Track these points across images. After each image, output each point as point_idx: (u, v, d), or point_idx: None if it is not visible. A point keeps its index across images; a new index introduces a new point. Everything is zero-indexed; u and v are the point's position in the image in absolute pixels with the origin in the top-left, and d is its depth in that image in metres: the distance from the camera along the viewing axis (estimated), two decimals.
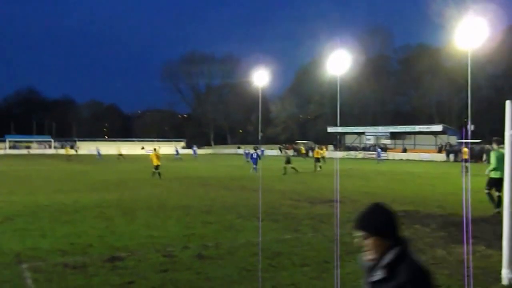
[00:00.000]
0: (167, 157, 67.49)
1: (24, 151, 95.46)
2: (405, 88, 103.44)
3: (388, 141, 78.52)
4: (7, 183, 26.02)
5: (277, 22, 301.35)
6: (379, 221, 2.87)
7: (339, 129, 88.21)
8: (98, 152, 68.81)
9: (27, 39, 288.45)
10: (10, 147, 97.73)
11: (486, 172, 15.02)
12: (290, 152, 59.70)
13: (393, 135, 77.97)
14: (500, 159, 13.30)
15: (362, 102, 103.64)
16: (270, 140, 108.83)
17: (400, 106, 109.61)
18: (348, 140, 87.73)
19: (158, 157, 30.53)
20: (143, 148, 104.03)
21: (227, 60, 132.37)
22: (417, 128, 75.47)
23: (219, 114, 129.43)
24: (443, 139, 70.76)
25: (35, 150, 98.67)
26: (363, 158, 71.20)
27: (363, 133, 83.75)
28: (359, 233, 2.90)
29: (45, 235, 11.22)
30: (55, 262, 8.70)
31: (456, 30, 64.86)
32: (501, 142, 13.89)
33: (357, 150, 79.98)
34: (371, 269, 2.91)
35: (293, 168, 35.12)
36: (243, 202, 17.65)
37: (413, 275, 2.72)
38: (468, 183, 25.22)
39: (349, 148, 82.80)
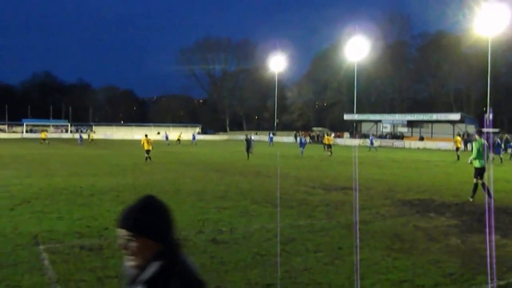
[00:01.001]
0: (183, 142, 67.86)
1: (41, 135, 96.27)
2: (423, 75, 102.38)
3: (404, 129, 77.91)
4: (25, 167, 26.29)
5: (294, 7, 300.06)
6: (148, 218, 2.25)
7: (356, 117, 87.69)
8: (80, 136, 67.51)
9: (44, 23, 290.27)
10: (27, 131, 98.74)
11: (468, 161, 15.77)
12: (307, 139, 59.80)
13: (410, 123, 77.30)
14: (481, 149, 14.77)
15: (379, 89, 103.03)
16: (286, 127, 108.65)
17: (418, 94, 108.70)
18: (365, 127, 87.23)
19: (149, 142, 31.00)
20: (158, 133, 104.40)
21: (244, 46, 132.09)
22: (435, 116, 74.69)
23: (235, 100, 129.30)
24: (461, 128, 70.08)
25: (52, 134, 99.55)
26: (379, 146, 70.87)
27: (379, 120, 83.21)
28: (123, 233, 2.26)
29: (61, 217, 11.34)
30: (72, 244, 8.80)
31: (476, 17, 63.90)
32: (482, 133, 15.69)
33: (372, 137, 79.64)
34: (133, 280, 2.26)
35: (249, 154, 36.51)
36: (258, 188, 17.68)
37: None
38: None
39: (365, 136, 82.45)
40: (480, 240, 9.55)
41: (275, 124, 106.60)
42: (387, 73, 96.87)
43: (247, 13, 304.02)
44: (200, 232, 10.00)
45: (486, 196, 14.22)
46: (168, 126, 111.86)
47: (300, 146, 43.48)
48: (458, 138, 41.30)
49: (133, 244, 2.22)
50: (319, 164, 31.17)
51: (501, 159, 34.21)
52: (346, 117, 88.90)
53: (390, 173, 25.58)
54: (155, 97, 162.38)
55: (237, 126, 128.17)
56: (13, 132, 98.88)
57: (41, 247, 8.54)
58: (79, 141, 64.00)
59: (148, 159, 30.21)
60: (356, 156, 37.13)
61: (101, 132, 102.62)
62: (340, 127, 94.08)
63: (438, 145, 66.28)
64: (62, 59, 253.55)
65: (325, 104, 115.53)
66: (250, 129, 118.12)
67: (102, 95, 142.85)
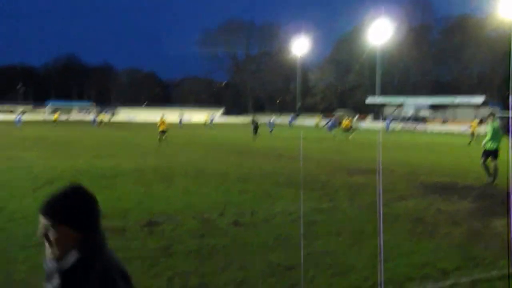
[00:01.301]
0: (198, 126, 68.13)
1: (64, 117, 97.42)
2: (446, 58, 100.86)
3: (427, 113, 77.06)
4: (49, 149, 26.59)
5: None
6: (70, 207, 2.09)
7: (378, 100, 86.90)
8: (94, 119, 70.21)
9: (68, 5, 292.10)
10: (51, 113, 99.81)
11: (482, 144, 15.71)
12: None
13: (433, 107, 76.39)
14: (495, 131, 15.09)
15: (402, 72, 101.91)
16: (308, 109, 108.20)
17: (441, 77, 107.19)
18: (387, 110, 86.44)
19: (164, 123, 31.74)
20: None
21: (266, 28, 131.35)
22: (458, 99, 73.61)
23: (257, 83, 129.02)
24: (485, 111, 68.99)
25: (76, 115, 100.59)
26: (402, 129, 70.25)
27: (402, 104, 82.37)
28: (43, 220, 2.10)
29: None
30: None
31: (500, 0, 62.60)
32: (494, 115, 15.92)
33: (396, 121, 78.85)
34: (52, 273, 2.07)
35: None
36: (280, 171, 17.66)
37: None
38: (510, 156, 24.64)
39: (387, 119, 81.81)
40: (503, 224, 9.43)
41: (298, 107, 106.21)
42: (410, 56, 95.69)
43: None
44: (222, 214, 10.02)
45: (487, 177, 14.72)
46: (191, 109, 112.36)
47: (329, 128, 46.34)
48: (474, 123, 40.73)
49: (53, 233, 2.05)
50: (341, 147, 31.02)
51: None
52: (369, 100, 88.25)
53: (413, 156, 25.37)
54: (177, 80, 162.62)
55: (259, 108, 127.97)
56: (37, 113, 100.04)
57: None
58: (92, 122, 66.99)
59: (164, 140, 30.60)
60: (379, 139, 36.89)
61: (124, 114, 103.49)
62: (363, 110, 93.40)
63: (461, 128, 65.39)
64: (85, 42, 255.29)
65: (347, 87, 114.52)
66: (272, 111, 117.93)
67: (125, 77, 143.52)
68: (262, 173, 16.85)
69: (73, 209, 2.09)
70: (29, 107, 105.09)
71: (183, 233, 8.42)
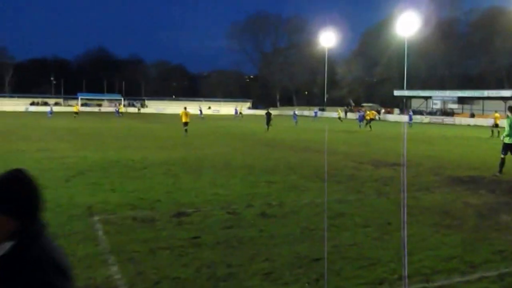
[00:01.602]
0: (228, 117, 68.37)
1: (95, 109, 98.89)
2: (474, 51, 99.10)
3: (455, 106, 76.03)
4: (79, 140, 27.06)
5: None
6: (6, 193, 1.96)
7: (406, 93, 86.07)
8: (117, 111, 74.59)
9: (98, 0, 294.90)
10: (82, 105, 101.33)
11: (501, 138, 15.81)
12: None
13: (461, 100, 75.30)
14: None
15: (430, 65, 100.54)
16: (335, 103, 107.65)
17: (469, 70, 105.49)
18: (415, 104, 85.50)
19: (187, 115, 32.66)
20: (209, 108, 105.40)
21: (294, 21, 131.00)
22: (486, 93, 72.19)
23: (285, 75, 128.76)
24: None
25: (106, 108, 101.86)
26: (429, 123, 69.43)
27: (430, 97, 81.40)
28: None
29: (115, 189, 11.66)
30: (125, 215, 9.06)
31: None
32: None
33: (423, 114, 77.93)
34: None
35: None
36: (307, 163, 17.68)
37: (35, 281, 1.84)
38: None
39: (415, 112, 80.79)
40: None
41: (325, 99, 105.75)
42: (437, 49, 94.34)
43: None
44: (250, 205, 10.11)
45: (498, 170, 15.06)
46: (219, 101, 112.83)
47: (359, 120, 49.20)
48: (497, 115, 40.11)
49: None
50: (368, 140, 30.84)
51: None
52: (396, 93, 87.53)
53: (440, 149, 25.11)
54: (206, 72, 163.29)
55: (287, 101, 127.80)
56: (69, 105, 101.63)
57: (95, 218, 8.82)
58: (116, 113, 71.10)
59: (185, 131, 31.48)
60: (405, 132, 36.53)
61: (153, 106, 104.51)
62: (390, 103, 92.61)
63: (489, 122, 64.19)
64: (116, 35, 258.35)
65: (375, 80, 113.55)
66: (300, 104, 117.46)
67: (154, 70, 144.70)
68: (288, 165, 16.89)
69: (9, 196, 1.96)
70: (61, 99, 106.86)
71: (211, 224, 8.54)
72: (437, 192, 12.16)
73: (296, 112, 57.72)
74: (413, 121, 69.92)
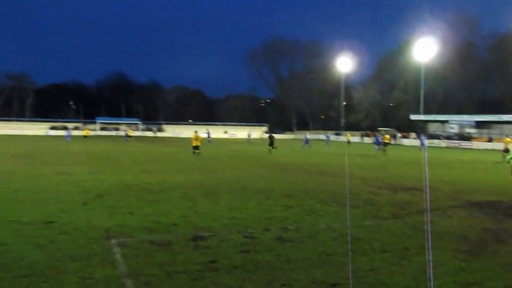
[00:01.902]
0: (240, 140, 68.51)
1: (113, 133, 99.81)
2: (492, 75, 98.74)
3: (472, 130, 75.56)
4: (98, 163, 27.30)
5: (361, 7, 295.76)
6: None
7: (422, 117, 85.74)
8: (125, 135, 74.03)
9: (118, 25, 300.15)
10: (101, 129, 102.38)
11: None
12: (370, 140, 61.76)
13: (478, 124, 74.88)
14: None
15: (447, 89, 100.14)
16: (352, 127, 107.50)
17: (486, 94, 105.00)
18: (431, 128, 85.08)
19: (197, 139, 33.96)
20: (226, 132, 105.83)
21: (310, 46, 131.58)
22: (504, 117, 71.79)
23: (301, 100, 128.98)
24: None
25: (124, 132, 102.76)
26: (446, 147, 68.96)
27: (447, 121, 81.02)
28: None
29: (132, 212, 11.72)
30: (142, 238, 9.09)
31: None
32: None
33: (440, 139, 77.45)
34: None
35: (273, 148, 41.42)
36: (323, 187, 17.64)
37: None
38: None
39: (432, 136, 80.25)
40: None
41: (341, 124, 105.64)
42: (455, 74, 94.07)
43: (315, 14, 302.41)
44: (267, 229, 10.09)
45: None
46: (235, 126, 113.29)
47: (375, 144, 49.36)
48: (508, 139, 39.97)
49: None
50: (385, 164, 30.70)
51: None
52: (413, 117, 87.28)
53: (458, 174, 24.92)
54: (223, 97, 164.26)
55: (303, 125, 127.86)
56: (87, 129, 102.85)
57: (113, 241, 8.87)
58: (124, 137, 71.03)
59: (197, 154, 32.75)
60: (426, 157, 36.28)
61: (170, 130, 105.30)
62: (407, 128, 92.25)
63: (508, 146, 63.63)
64: (134, 60, 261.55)
65: (391, 104, 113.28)
66: (316, 128, 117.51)
67: (172, 95, 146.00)
68: (305, 190, 16.87)
69: None
70: (80, 123, 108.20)
71: (228, 248, 8.53)
72: (455, 217, 12.04)
73: (308, 136, 59.24)
74: (430, 145, 69.70)
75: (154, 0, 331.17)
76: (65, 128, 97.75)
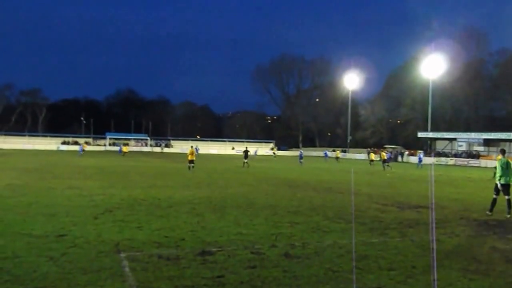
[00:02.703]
0: (258, 158, 68.56)
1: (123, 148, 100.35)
2: (500, 93, 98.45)
3: (481, 148, 75.26)
4: (108, 178, 27.49)
5: (369, 24, 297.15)
6: None
7: (430, 134, 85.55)
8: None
9: (128, 43, 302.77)
10: (110, 144, 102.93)
11: (496, 179, 16.39)
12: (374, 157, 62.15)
13: (487, 142, 74.60)
14: (504, 167, 15.75)
15: (455, 107, 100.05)
16: (358, 144, 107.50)
17: (495, 112, 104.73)
18: (439, 145, 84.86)
19: (192, 153, 36.42)
20: (233, 148, 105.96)
21: (318, 63, 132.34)
22: None
23: (308, 117, 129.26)
24: None
25: (133, 147, 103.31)
26: (454, 165, 68.69)
27: (455, 139, 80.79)
28: None
29: (141, 227, 11.83)
30: (151, 253, 9.19)
31: None
32: (505, 152, 16.68)
33: (448, 156, 77.26)
34: None
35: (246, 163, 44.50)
36: (330, 204, 17.68)
37: None
38: None
39: (439, 154, 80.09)
40: None
41: (348, 140, 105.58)
42: (462, 91, 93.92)
43: (322, 31, 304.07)
44: (273, 246, 10.16)
45: (489, 209, 15.97)
46: (242, 142, 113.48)
47: (382, 162, 49.25)
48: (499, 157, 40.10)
49: None
50: (392, 182, 30.68)
51: None
52: (420, 134, 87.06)
53: (466, 192, 24.86)
54: (230, 113, 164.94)
55: (310, 142, 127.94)
56: (97, 144, 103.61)
57: (122, 254, 8.97)
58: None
59: (192, 168, 35.34)
60: (432, 175, 36.24)
61: (178, 146, 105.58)
62: (414, 145, 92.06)
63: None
64: (144, 76, 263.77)
65: (398, 122, 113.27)
66: (322, 145, 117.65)
67: (180, 111, 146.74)
68: (312, 206, 16.91)
69: None
70: (90, 138, 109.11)
71: (235, 263, 8.61)
72: (463, 235, 12.04)
73: (301, 153, 62.41)
74: (438, 163, 69.41)
75: (163, 18, 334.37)
76: (76, 143, 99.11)
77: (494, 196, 16.04)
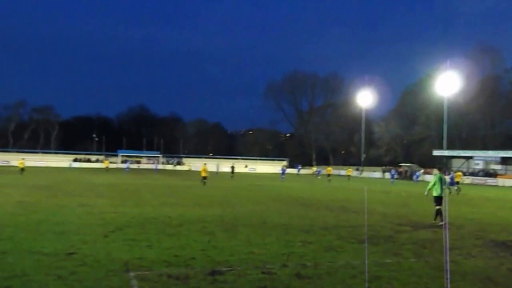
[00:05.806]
0: (271, 176, 68.45)
1: (134, 166, 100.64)
2: None
3: (498, 167, 74.45)
4: (119, 196, 27.50)
5: (382, 41, 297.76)
6: None
7: (446, 153, 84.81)
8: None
9: (141, 60, 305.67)
10: (122, 162, 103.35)
11: (425, 193, 19.12)
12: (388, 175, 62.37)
13: (504, 160, 73.78)
14: (437, 181, 18.38)
15: (471, 124, 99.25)
16: (373, 162, 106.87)
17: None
18: (455, 164, 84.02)
19: (205, 170, 40.96)
20: (246, 166, 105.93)
21: (331, 80, 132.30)
22: None
23: (321, 134, 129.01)
24: None
25: (145, 165, 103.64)
26: (470, 184, 67.99)
27: (471, 157, 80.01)
28: None
29: (151, 246, 11.74)
30: (160, 272, 9.08)
31: None
32: (440, 169, 21.19)
33: (464, 175, 76.50)
34: None
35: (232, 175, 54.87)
36: (343, 223, 17.49)
37: None
38: None
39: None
40: None
41: (362, 158, 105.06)
42: (479, 108, 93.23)
43: (336, 47, 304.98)
44: (285, 265, 10.01)
45: (440, 219, 17.59)
46: (255, 160, 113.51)
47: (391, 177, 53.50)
48: (458, 174, 42.11)
49: None
50: (407, 201, 30.36)
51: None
52: (436, 153, 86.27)
53: (483, 212, 24.52)
54: (243, 131, 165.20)
55: (323, 160, 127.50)
56: (109, 162, 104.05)
57: (131, 274, 8.87)
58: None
59: (204, 183, 39.42)
60: (446, 193, 35.85)
61: (192, 163, 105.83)
62: (429, 163, 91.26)
63: None
64: (156, 94, 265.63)
65: (413, 139, 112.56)
66: (336, 164, 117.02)
67: (192, 128, 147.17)
68: (325, 225, 16.73)
69: None
70: (101, 157, 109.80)
71: (245, 283, 8.47)
72: (479, 257, 11.81)
73: (286, 169, 67.82)
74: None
75: (175, 36, 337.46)
76: (88, 161, 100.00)
77: (437, 207, 18.09)
